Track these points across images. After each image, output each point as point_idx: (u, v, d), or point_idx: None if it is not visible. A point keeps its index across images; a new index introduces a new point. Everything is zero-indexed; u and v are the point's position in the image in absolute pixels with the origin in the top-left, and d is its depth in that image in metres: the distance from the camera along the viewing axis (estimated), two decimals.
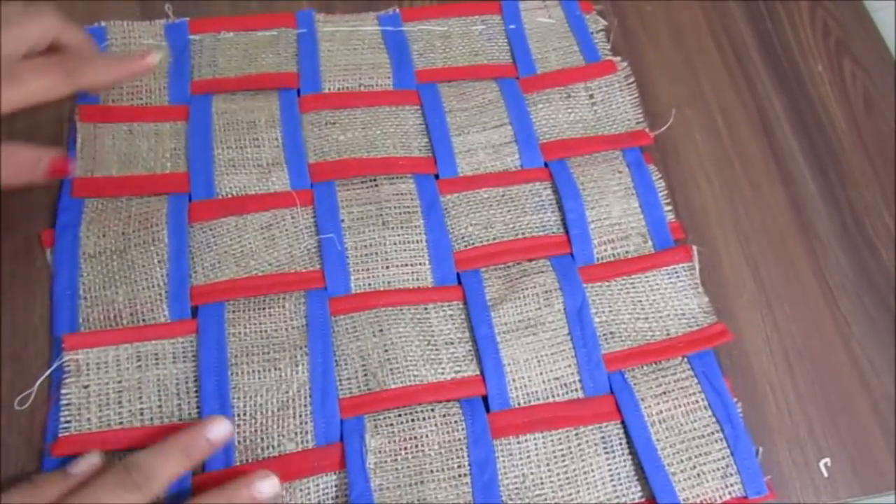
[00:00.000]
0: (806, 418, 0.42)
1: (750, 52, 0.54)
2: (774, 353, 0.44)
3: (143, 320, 0.41)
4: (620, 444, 0.40)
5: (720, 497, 0.39)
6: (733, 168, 0.50)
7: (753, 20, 0.56)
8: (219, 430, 0.37)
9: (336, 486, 0.38)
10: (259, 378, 0.40)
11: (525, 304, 0.43)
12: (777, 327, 0.45)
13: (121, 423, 0.39)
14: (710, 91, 0.52)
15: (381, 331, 0.41)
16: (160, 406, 0.39)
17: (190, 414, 0.39)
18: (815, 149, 0.51)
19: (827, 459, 0.41)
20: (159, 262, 0.42)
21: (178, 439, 0.36)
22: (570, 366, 0.42)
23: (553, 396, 0.41)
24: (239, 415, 0.39)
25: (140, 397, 0.39)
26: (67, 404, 0.39)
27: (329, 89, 0.49)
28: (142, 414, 0.39)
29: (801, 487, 0.41)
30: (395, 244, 0.44)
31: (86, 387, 0.39)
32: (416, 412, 0.40)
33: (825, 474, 0.41)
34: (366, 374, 0.40)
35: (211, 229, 0.44)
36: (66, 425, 0.38)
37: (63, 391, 0.39)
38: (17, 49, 0.39)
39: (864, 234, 0.48)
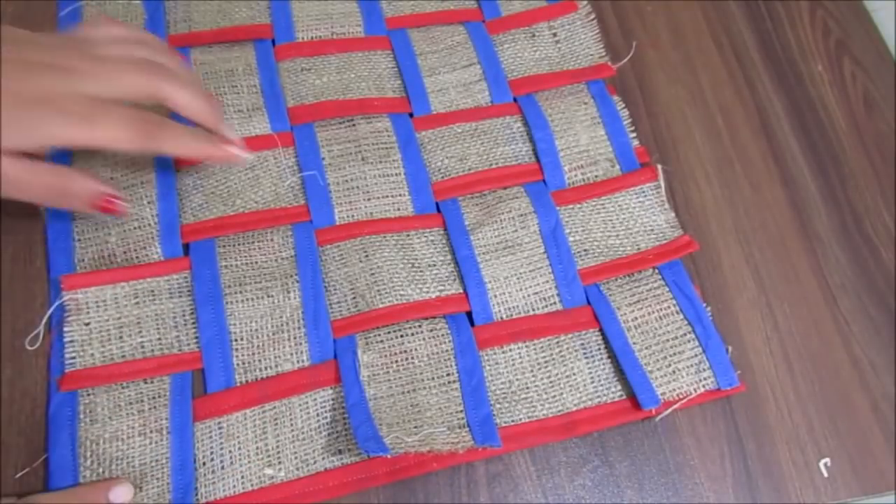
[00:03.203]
0: (806, 418, 0.42)
1: (750, 52, 0.54)
2: (774, 353, 0.44)
3: (137, 259, 0.42)
4: (599, 349, 0.43)
5: (695, 390, 0.41)
6: (733, 168, 0.50)
7: (753, 20, 0.56)
8: (121, 494, 0.36)
9: (333, 399, 0.40)
10: (253, 306, 0.42)
11: (502, 227, 0.45)
12: (777, 327, 0.45)
13: (123, 356, 0.40)
14: (710, 91, 0.53)
15: (367, 256, 0.43)
16: (160, 339, 0.41)
17: (189, 345, 0.41)
18: (815, 149, 0.51)
19: (827, 459, 0.41)
20: (149, 203, 0.44)
21: (77, 492, 0.36)
22: (547, 281, 0.44)
23: (533, 310, 0.43)
24: (237, 339, 0.41)
25: (140, 332, 0.41)
26: (71, 341, 0.40)
27: (302, 38, 0.51)
28: (143, 347, 0.41)
29: (801, 487, 0.41)
30: (375, 177, 0.46)
31: (87, 324, 0.41)
32: (405, 328, 0.42)
33: (825, 474, 0.41)
34: (355, 297, 0.42)
35: (197, 171, 0.45)
36: (71, 361, 0.40)
37: (66, 329, 0.40)
38: (103, 93, 0.36)
39: (864, 234, 0.48)
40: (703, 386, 0.42)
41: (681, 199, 0.49)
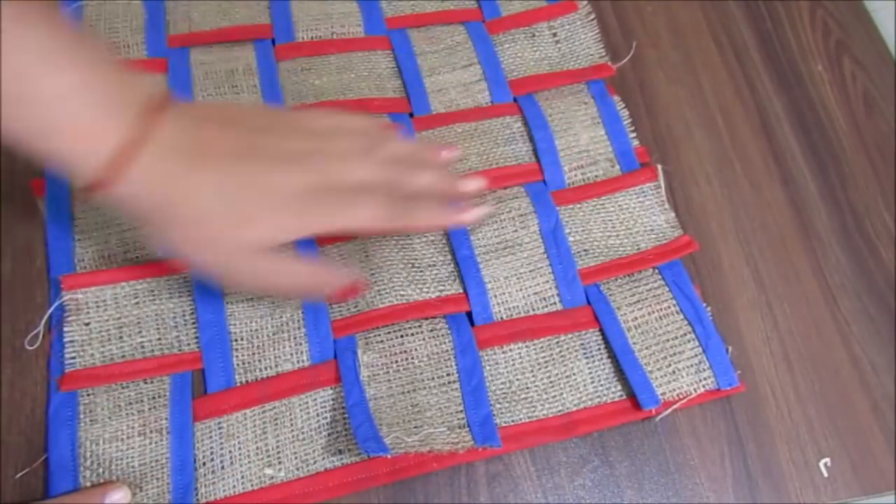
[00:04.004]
0: (806, 418, 0.42)
1: (750, 52, 0.54)
2: (774, 353, 0.44)
3: (137, 259, 0.42)
4: (599, 349, 0.43)
5: (695, 390, 0.41)
6: (733, 168, 0.50)
7: (753, 20, 0.56)
8: (118, 497, 0.36)
9: (333, 399, 0.40)
10: (253, 306, 0.42)
11: (502, 227, 0.45)
12: (777, 327, 0.45)
13: (123, 356, 0.40)
14: (710, 91, 0.52)
15: (367, 257, 0.43)
16: (160, 339, 0.41)
17: (189, 345, 0.41)
18: (815, 149, 0.51)
19: (827, 459, 0.41)
20: None
21: (73, 498, 0.36)
22: (547, 281, 0.44)
23: (533, 310, 0.43)
24: (237, 339, 0.41)
25: (140, 332, 0.41)
26: (71, 341, 0.40)
27: (302, 38, 0.51)
28: (142, 347, 0.41)
29: (801, 487, 0.41)
30: None
31: (87, 324, 0.41)
32: (405, 328, 0.42)
33: (825, 474, 0.41)
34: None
35: None
36: (71, 361, 0.40)
37: (65, 328, 0.40)
38: (356, 179, 0.36)
39: (864, 234, 0.48)
40: (704, 386, 0.42)
41: (681, 199, 0.49)
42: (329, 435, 0.39)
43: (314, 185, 0.34)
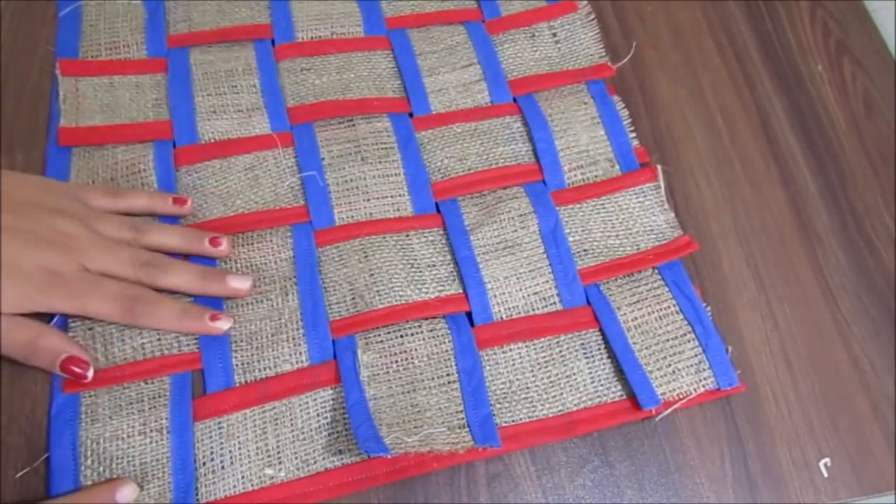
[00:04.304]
0: (806, 418, 0.42)
1: (750, 52, 0.54)
2: (774, 353, 0.44)
3: None
4: (599, 349, 0.43)
5: (695, 390, 0.41)
6: (733, 168, 0.50)
7: (753, 20, 0.56)
8: (127, 494, 0.36)
9: (333, 399, 0.40)
10: (252, 309, 0.42)
11: (502, 228, 0.45)
12: (777, 327, 0.45)
13: (125, 358, 0.40)
14: (710, 91, 0.53)
15: (366, 257, 0.43)
16: (159, 340, 0.41)
17: (188, 345, 0.41)
18: (815, 149, 0.51)
19: (827, 459, 0.41)
20: None
21: (83, 496, 0.36)
22: (547, 281, 0.44)
23: (533, 310, 0.43)
24: (235, 341, 0.41)
25: (140, 333, 0.41)
26: None
27: (302, 38, 0.51)
28: (143, 348, 0.40)
29: (801, 487, 0.41)
30: (374, 178, 0.46)
31: (90, 329, 0.41)
32: (405, 329, 0.42)
33: (825, 474, 0.41)
34: (353, 298, 0.42)
35: (196, 172, 0.45)
36: None
37: (70, 334, 0.40)
38: (98, 268, 0.40)
39: (864, 234, 0.48)
40: (703, 386, 0.42)
41: (681, 199, 0.49)
42: (329, 435, 0.39)
43: (58, 268, 0.38)
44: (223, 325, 0.40)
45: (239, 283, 0.41)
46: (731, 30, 0.55)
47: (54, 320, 0.40)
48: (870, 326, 0.46)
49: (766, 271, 0.47)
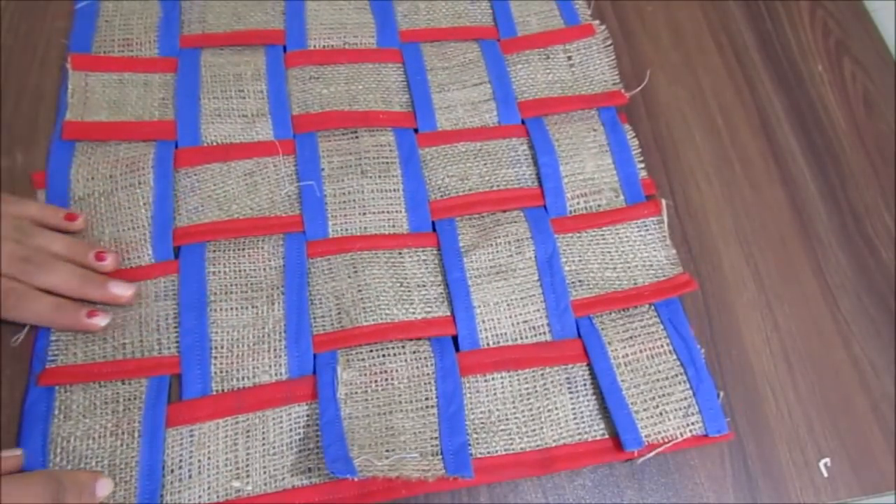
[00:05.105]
0: (806, 418, 0.42)
1: (750, 52, 0.54)
2: (774, 353, 0.44)
3: (128, 260, 0.42)
4: (584, 384, 0.42)
5: (681, 434, 0.40)
6: (733, 168, 0.50)
7: (753, 20, 0.56)
8: (105, 487, 0.36)
9: (307, 414, 0.39)
10: (237, 315, 0.41)
11: (497, 252, 0.44)
12: (777, 327, 0.45)
13: (104, 356, 0.40)
14: (710, 91, 0.52)
15: (355, 272, 0.43)
16: (141, 341, 0.41)
17: (169, 348, 0.41)
18: (815, 149, 0.51)
19: (827, 459, 0.41)
20: (144, 204, 0.44)
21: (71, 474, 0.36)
22: (538, 310, 0.43)
23: (522, 338, 0.42)
24: (216, 348, 0.40)
25: (123, 333, 0.41)
26: (56, 340, 0.40)
27: (314, 46, 0.51)
28: (124, 348, 0.40)
29: (801, 487, 0.41)
30: (372, 192, 0.46)
31: None
32: (388, 348, 0.41)
33: (825, 474, 0.41)
34: (339, 313, 0.42)
35: (196, 174, 0.45)
36: (52, 358, 0.40)
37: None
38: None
39: (864, 234, 0.48)
40: (691, 430, 0.40)
41: (681, 199, 0.48)
42: (300, 452, 0.38)
43: None
44: (101, 320, 0.40)
45: (120, 290, 0.41)
46: (731, 30, 0.55)
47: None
48: (870, 326, 0.45)
49: (766, 271, 0.46)
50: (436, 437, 0.39)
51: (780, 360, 0.44)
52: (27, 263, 0.39)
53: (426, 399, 0.40)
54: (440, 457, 0.38)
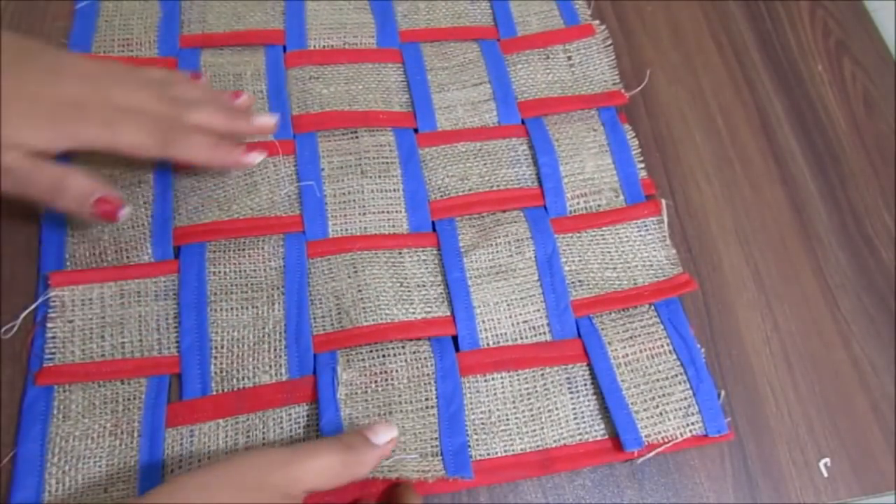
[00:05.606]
0: (806, 418, 0.42)
1: (750, 52, 0.54)
2: (774, 353, 0.44)
3: (128, 258, 0.42)
4: (585, 384, 0.41)
5: (681, 434, 0.40)
6: (733, 168, 0.50)
7: (753, 20, 0.56)
8: (385, 431, 0.36)
9: (307, 415, 0.39)
10: (237, 315, 0.41)
11: (497, 252, 0.44)
12: (777, 327, 0.45)
13: (102, 355, 0.40)
14: (710, 91, 0.52)
15: (355, 272, 0.43)
16: (140, 340, 0.41)
17: (168, 348, 0.40)
18: (815, 149, 0.51)
19: (827, 459, 0.41)
20: (144, 203, 0.44)
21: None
22: (538, 310, 0.43)
23: (521, 338, 0.42)
24: (216, 347, 0.40)
25: (122, 332, 0.41)
26: (53, 337, 0.40)
27: (314, 46, 0.51)
28: (123, 347, 0.40)
29: (801, 487, 0.41)
30: (372, 192, 0.46)
31: (70, 322, 0.41)
32: (388, 349, 0.41)
33: (825, 474, 0.41)
34: (339, 313, 0.42)
35: (195, 174, 0.45)
36: (50, 357, 0.40)
37: (48, 325, 0.40)
38: (128, 102, 0.38)
39: (864, 234, 0.48)
40: (691, 430, 0.40)
41: (681, 199, 0.48)
42: None
43: (79, 102, 0.36)
44: (256, 157, 0.41)
45: (265, 119, 0.42)
46: (731, 30, 0.55)
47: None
48: (870, 326, 0.45)
49: (766, 271, 0.46)
50: (436, 438, 0.39)
51: (780, 360, 0.44)
52: (175, 104, 0.40)
53: (426, 399, 0.40)
54: (440, 457, 0.38)
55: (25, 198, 0.37)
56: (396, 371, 0.40)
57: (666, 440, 0.40)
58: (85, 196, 0.38)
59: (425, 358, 0.41)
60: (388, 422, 0.37)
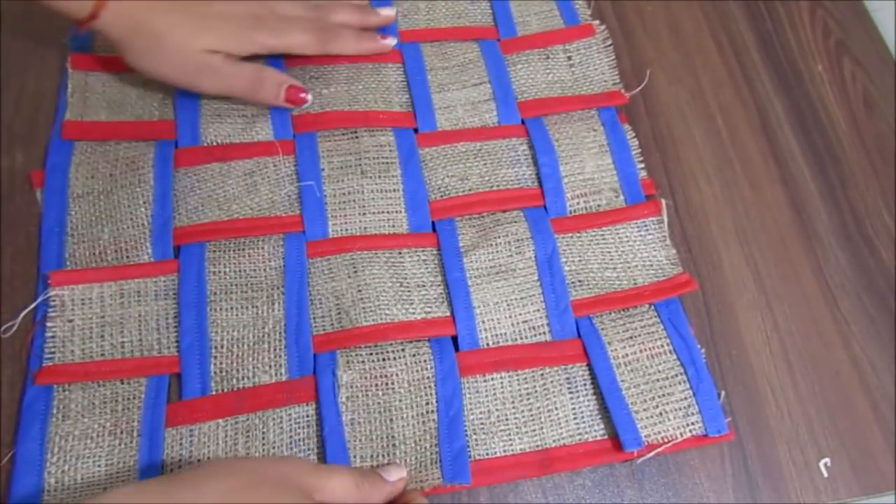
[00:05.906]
0: (806, 418, 0.42)
1: (750, 52, 0.54)
2: (774, 353, 0.44)
3: (127, 258, 0.42)
4: (584, 384, 0.41)
5: (681, 434, 0.40)
6: (733, 168, 0.50)
7: (753, 20, 0.56)
8: (394, 473, 0.37)
9: (307, 415, 0.39)
10: (236, 315, 0.41)
11: (497, 252, 0.44)
12: (777, 327, 0.45)
13: (102, 354, 0.40)
14: (710, 91, 0.52)
15: (355, 272, 0.43)
16: (140, 340, 0.41)
17: (168, 348, 0.41)
18: (815, 149, 0.51)
19: (827, 459, 0.41)
20: (144, 203, 0.44)
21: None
22: (538, 310, 0.43)
23: (521, 338, 0.42)
24: (216, 347, 0.40)
25: (122, 331, 0.41)
26: (52, 337, 0.40)
27: None
28: (123, 347, 0.40)
29: (801, 487, 0.41)
30: (372, 192, 0.46)
31: (70, 321, 0.41)
32: (387, 351, 0.41)
33: (825, 474, 0.41)
34: (339, 313, 0.42)
35: (195, 174, 0.45)
36: (50, 356, 0.40)
37: (48, 324, 0.40)
38: (291, 13, 0.47)
39: (864, 234, 0.48)
40: (691, 430, 0.40)
41: (681, 199, 0.48)
42: (300, 452, 0.38)
43: (254, 14, 0.45)
44: (391, 41, 0.50)
45: (387, 12, 0.51)
46: (731, 30, 0.55)
47: None
48: (870, 326, 0.45)
49: (766, 271, 0.46)
50: (435, 444, 0.39)
51: (780, 360, 0.44)
52: (321, 9, 0.49)
53: (426, 403, 0.40)
54: (438, 465, 0.38)
55: (229, 94, 0.46)
56: (396, 374, 0.40)
57: (666, 440, 0.40)
58: (279, 85, 0.46)
59: (425, 360, 0.41)
60: (398, 464, 0.38)
